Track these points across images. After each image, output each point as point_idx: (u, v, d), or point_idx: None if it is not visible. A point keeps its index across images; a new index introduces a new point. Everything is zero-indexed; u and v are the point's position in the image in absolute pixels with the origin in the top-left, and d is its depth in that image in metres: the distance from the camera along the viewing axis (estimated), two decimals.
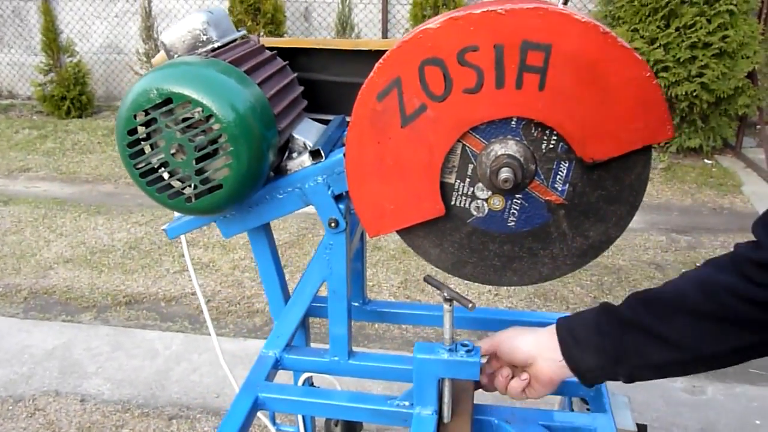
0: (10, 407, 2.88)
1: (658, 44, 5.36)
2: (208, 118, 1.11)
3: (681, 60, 5.33)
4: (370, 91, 1.10)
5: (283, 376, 1.48)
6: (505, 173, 1.08)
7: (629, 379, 1.05)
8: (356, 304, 1.64)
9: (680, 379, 3.11)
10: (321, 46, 1.50)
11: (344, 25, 6.58)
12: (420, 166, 1.14)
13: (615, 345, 1.03)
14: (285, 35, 6.77)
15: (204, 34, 1.27)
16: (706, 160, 5.83)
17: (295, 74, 1.42)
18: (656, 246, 4.32)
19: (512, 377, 1.17)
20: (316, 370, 1.44)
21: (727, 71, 5.35)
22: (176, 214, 1.37)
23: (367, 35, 6.96)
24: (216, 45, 1.27)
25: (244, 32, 1.39)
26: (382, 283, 3.97)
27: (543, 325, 1.15)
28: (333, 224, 1.28)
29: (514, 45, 1.03)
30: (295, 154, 1.30)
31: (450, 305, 1.11)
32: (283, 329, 1.40)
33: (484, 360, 1.19)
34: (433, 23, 1.06)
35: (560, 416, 1.25)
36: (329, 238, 1.30)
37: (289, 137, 1.30)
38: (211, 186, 1.15)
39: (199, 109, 1.11)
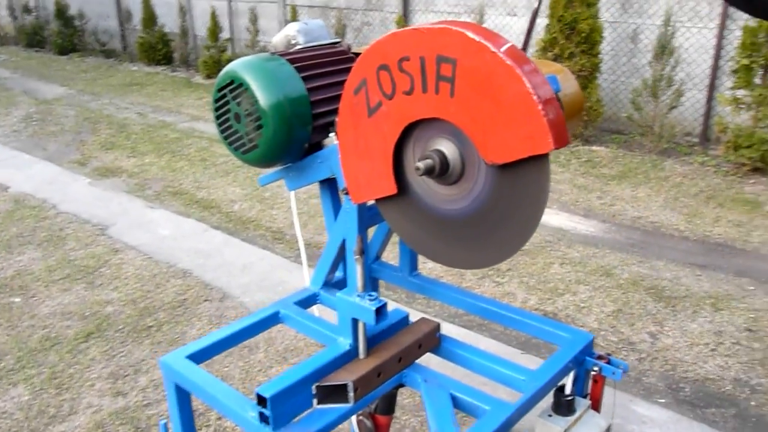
0: None
1: None
2: (253, 97, 1.57)
3: None
4: (349, 87, 1.43)
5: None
6: (420, 163, 1.30)
7: None
8: (401, 274, 1.93)
9: None
10: None
11: (663, 49, 6.32)
12: (379, 151, 1.42)
13: None
14: (603, 56, 6.78)
15: (293, 39, 1.73)
16: None
17: None
18: None
19: None
20: None
21: None
22: (267, 170, 1.86)
23: (686, 60, 6.55)
24: (298, 47, 1.72)
25: (335, 40, 1.80)
26: (594, 307, 3.92)
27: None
28: (345, 192, 1.62)
29: (431, 58, 1.25)
30: (332, 134, 1.67)
31: (360, 257, 1.37)
32: (319, 273, 1.79)
33: None
34: (384, 36, 1.33)
35: (469, 392, 1.38)
36: (346, 204, 1.65)
37: (333, 121, 1.68)
38: (252, 145, 1.61)
39: (247, 91, 1.57)
